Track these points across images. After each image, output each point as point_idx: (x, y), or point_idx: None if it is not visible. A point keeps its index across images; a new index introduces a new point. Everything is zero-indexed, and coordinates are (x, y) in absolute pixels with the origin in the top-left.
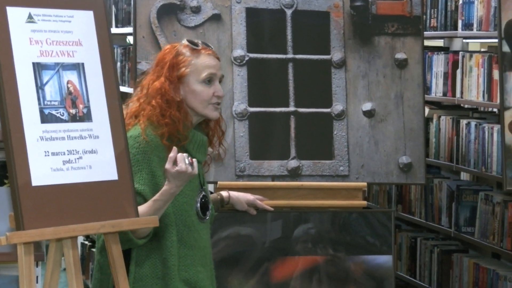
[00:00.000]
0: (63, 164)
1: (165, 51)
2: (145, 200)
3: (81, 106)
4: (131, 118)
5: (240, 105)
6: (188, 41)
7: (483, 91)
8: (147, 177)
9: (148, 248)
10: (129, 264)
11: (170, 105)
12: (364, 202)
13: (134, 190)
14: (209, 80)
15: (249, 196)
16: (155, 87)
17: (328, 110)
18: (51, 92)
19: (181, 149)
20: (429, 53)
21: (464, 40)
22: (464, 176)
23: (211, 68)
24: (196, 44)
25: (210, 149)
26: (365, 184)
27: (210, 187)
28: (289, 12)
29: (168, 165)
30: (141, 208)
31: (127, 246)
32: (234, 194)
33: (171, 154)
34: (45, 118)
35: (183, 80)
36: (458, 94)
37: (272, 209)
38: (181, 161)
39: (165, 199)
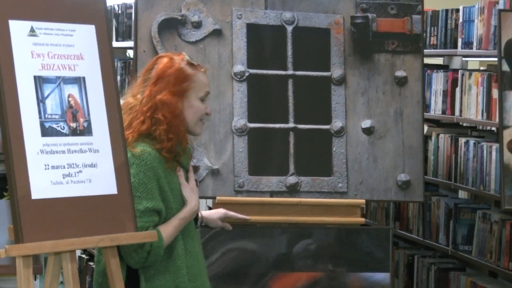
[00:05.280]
0: (63, 177)
1: (165, 64)
2: (161, 218)
3: (81, 120)
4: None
5: (240, 120)
6: (189, 57)
7: (482, 110)
8: (159, 193)
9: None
10: (139, 281)
11: (178, 119)
12: (362, 219)
13: (134, 205)
14: (204, 98)
15: (220, 211)
16: (162, 100)
17: (327, 126)
18: (52, 105)
19: (174, 160)
20: (429, 71)
21: (463, 59)
22: (462, 194)
23: (207, 86)
24: (193, 62)
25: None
26: (363, 201)
27: (209, 202)
28: (289, 28)
29: (186, 185)
30: (167, 228)
31: (157, 257)
32: (205, 214)
33: (180, 174)
34: (46, 131)
35: (186, 95)
36: (457, 112)
37: (249, 217)
38: (192, 177)
39: (189, 217)
